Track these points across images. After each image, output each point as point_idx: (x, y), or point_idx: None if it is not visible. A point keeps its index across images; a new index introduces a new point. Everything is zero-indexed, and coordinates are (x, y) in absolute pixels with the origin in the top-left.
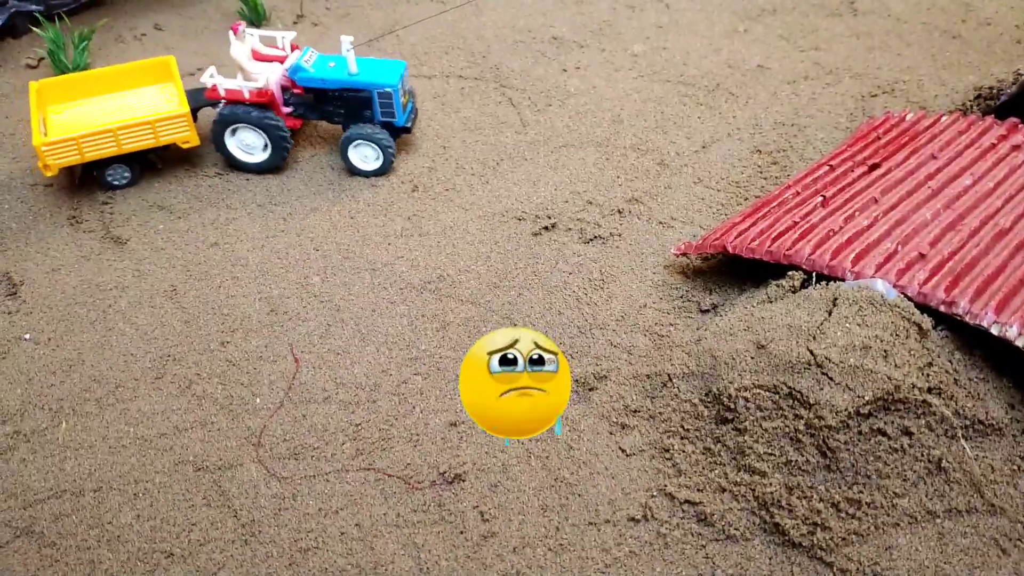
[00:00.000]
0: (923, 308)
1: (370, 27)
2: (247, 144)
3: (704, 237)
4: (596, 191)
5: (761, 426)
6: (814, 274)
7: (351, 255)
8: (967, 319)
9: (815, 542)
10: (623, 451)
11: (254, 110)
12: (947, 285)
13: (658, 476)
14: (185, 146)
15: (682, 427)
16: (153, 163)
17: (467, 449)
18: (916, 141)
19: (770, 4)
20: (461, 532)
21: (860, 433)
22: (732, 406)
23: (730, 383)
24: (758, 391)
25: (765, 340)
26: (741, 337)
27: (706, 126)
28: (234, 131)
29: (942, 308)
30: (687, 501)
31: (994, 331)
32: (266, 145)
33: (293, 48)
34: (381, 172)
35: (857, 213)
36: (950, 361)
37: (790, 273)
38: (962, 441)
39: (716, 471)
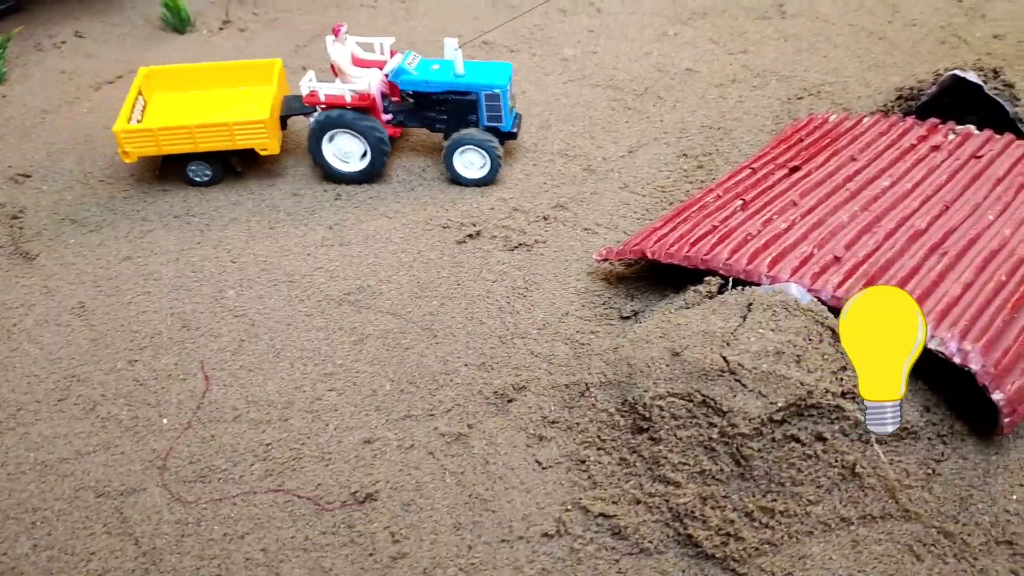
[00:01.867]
0: (838, 312)
1: (298, 33)
2: (345, 152)
3: (625, 243)
4: (522, 198)
5: (676, 435)
6: (731, 279)
7: (268, 267)
8: None
9: (728, 553)
10: (539, 464)
11: (354, 115)
12: (861, 288)
13: (573, 489)
14: (263, 153)
15: (599, 437)
16: (233, 167)
17: (380, 467)
18: (837, 143)
19: (700, 7)
20: (371, 554)
21: (773, 440)
22: (647, 415)
23: (645, 392)
24: (673, 399)
25: (680, 347)
26: (657, 344)
27: (633, 130)
28: (331, 138)
29: None
30: (601, 514)
31: None
32: (365, 153)
33: (392, 54)
34: (487, 181)
35: (776, 216)
36: None
37: (707, 279)
38: (876, 446)
39: (631, 482)
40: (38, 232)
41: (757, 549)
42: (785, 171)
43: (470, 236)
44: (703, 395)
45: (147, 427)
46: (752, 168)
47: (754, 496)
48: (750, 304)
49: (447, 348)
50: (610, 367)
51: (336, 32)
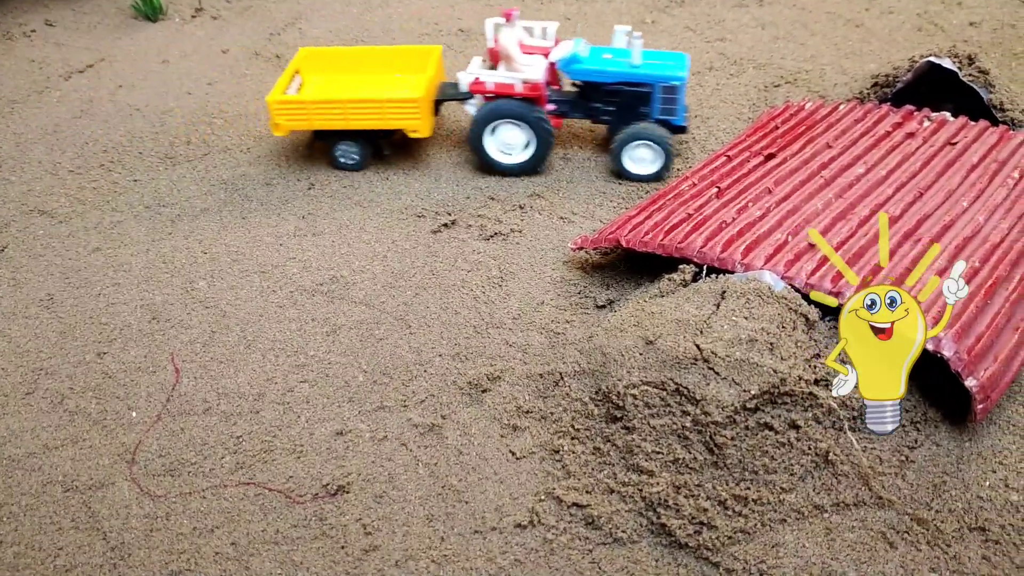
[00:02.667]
0: (810, 299)
1: (272, 20)
2: (507, 143)
3: (600, 231)
4: (498, 186)
5: (649, 424)
6: (705, 267)
7: (240, 257)
8: None
9: (701, 542)
10: (513, 454)
11: (523, 105)
12: (834, 276)
13: (547, 479)
14: (412, 135)
15: (573, 427)
16: (381, 149)
17: (353, 459)
18: (813, 130)
19: None
20: (342, 547)
21: (747, 428)
22: (621, 404)
23: (619, 380)
24: (646, 388)
25: (654, 336)
26: (631, 333)
27: None
28: (494, 129)
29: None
30: (575, 504)
31: None
32: (528, 143)
33: (557, 41)
34: (658, 177)
35: (750, 204)
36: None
37: (681, 267)
38: (848, 433)
39: (605, 471)
40: (6, 223)
41: (730, 538)
42: (761, 159)
43: (445, 225)
44: (676, 383)
45: (116, 420)
46: (728, 156)
47: (727, 484)
48: (724, 292)
49: (421, 338)
50: (584, 356)
51: (508, 16)
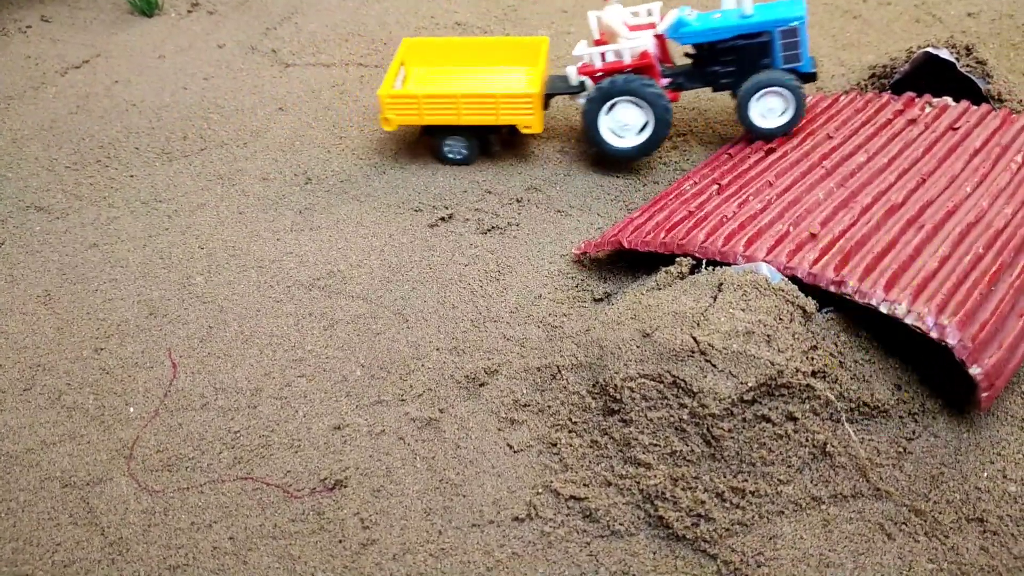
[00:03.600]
0: (813, 289)
1: (268, 15)
2: (622, 125)
3: (603, 235)
4: (495, 180)
5: (646, 416)
6: (704, 260)
7: (237, 253)
8: (856, 298)
9: (699, 534)
10: (511, 447)
11: (639, 80)
12: (837, 264)
13: (544, 472)
14: (525, 131)
15: (570, 420)
16: (490, 145)
17: (350, 453)
18: (813, 123)
19: None
20: (340, 541)
21: (744, 420)
22: (618, 397)
23: (616, 373)
24: (643, 380)
25: (650, 328)
26: (628, 326)
27: None
28: (609, 110)
29: (832, 288)
30: (572, 497)
31: (883, 309)
32: (645, 125)
33: (663, 18)
34: (788, 129)
35: (751, 198)
36: (835, 344)
37: (678, 259)
38: (846, 425)
39: (602, 464)
40: (3, 220)
41: (728, 530)
42: (761, 153)
43: (442, 219)
44: (673, 376)
45: (113, 416)
46: (729, 153)
47: (725, 477)
48: (720, 284)
49: (419, 333)
50: (581, 349)
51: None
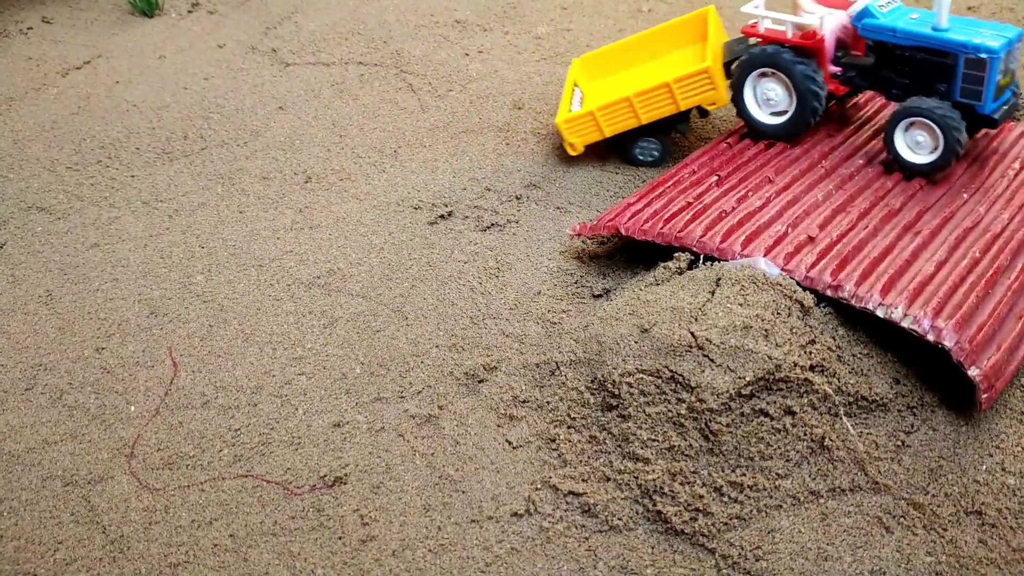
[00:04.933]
0: (808, 288)
1: (268, 14)
2: (768, 99)
3: (599, 218)
4: (495, 177)
5: (645, 412)
6: (701, 255)
7: (238, 252)
8: (853, 302)
9: (697, 528)
10: (510, 443)
11: (786, 53)
12: (834, 269)
13: (543, 468)
14: (711, 107)
15: (569, 416)
16: (682, 133)
17: (350, 450)
18: None
19: None
20: (340, 538)
21: (742, 415)
22: (616, 392)
23: (614, 369)
24: (641, 376)
25: (649, 324)
26: (626, 321)
27: None
28: (759, 79)
29: (829, 292)
30: (571, 492)
31: (880, 313)
32: (790, 104)
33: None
34: (937, 168)
35: (751, 193)
36: (833, 338)
37: (676, 255)
38: (844, 418)
39: (601, 460)
40: (5, 221)
41: (726, 524)
42: (761, 146)
43: (441, 217)
44: (671, 371)
45: (114, 415)
46: (728, 143)
47: (723, 471)
48: (719, 279)
49: (418, 330)
50: (580, 345)
51: None
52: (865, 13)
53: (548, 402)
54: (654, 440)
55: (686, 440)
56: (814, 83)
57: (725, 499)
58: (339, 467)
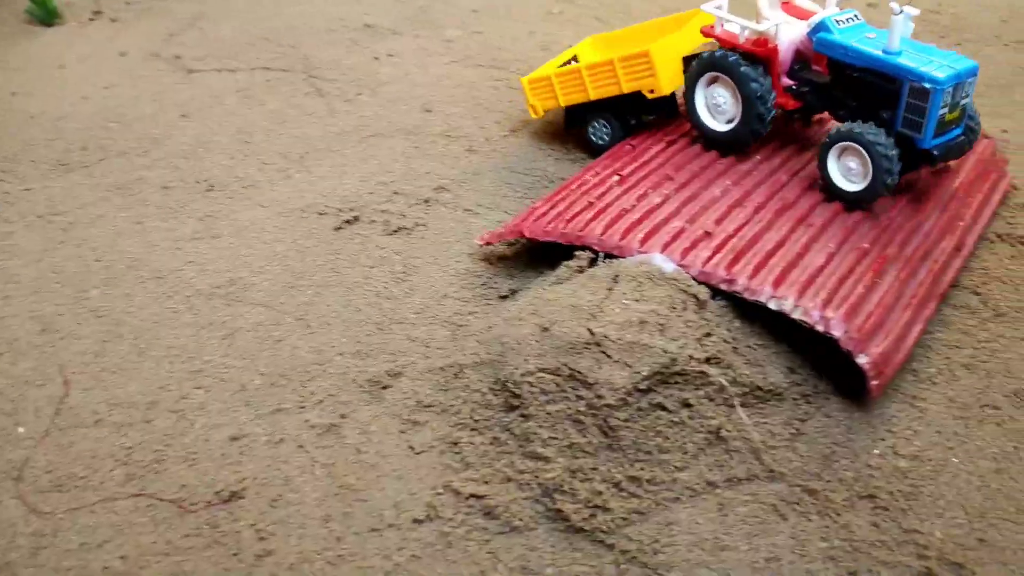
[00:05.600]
0: (706, 285)
1: (173, 21)
2: (717, 105)
3: (506, 224)
4: (403, 181)
5: (545, 410)
6: (601, 253)
7: (135, 264)
8: (746, 295)
9: (596, 525)
10: (412, 449)
11: (740, 61)
12: (728, 263)
13: (445, 472)
14: (651, 96)
15: (472, 418)
16: (640, 122)
17: (248, 464)
18: None
19: None
20: (235, 554)
21: (639, 409)
22: (518, 392)
23: (516, 369)
24: (542, 375)
25: (549, 323)
26: (528, 321)
27: (516, 110)
28: (708, 84)
29: (723, 286)
30: (472, 495)
31: (772, 305)
32: (737, 111)
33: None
34: (865, 197)
35: (650, 191)
36: (728, 330)
37: (577, 253)
38: (739, 409)
39: (503, 461)
40: None
41: (625, 519)
42: (662, 144)
43: (347, 222)
44: (571, 369)
45: (3, 437)
46: (631, 144)
47: (622, 466)
48: (616, 276)
49: (321, 338)
50: (484, 347)
51: None
52: (821, 27)
53: (452, 405)
54: (554, 439)
55: (585, 437)
56: (758, 86)
57: (624, 494)
58: (236, 482)
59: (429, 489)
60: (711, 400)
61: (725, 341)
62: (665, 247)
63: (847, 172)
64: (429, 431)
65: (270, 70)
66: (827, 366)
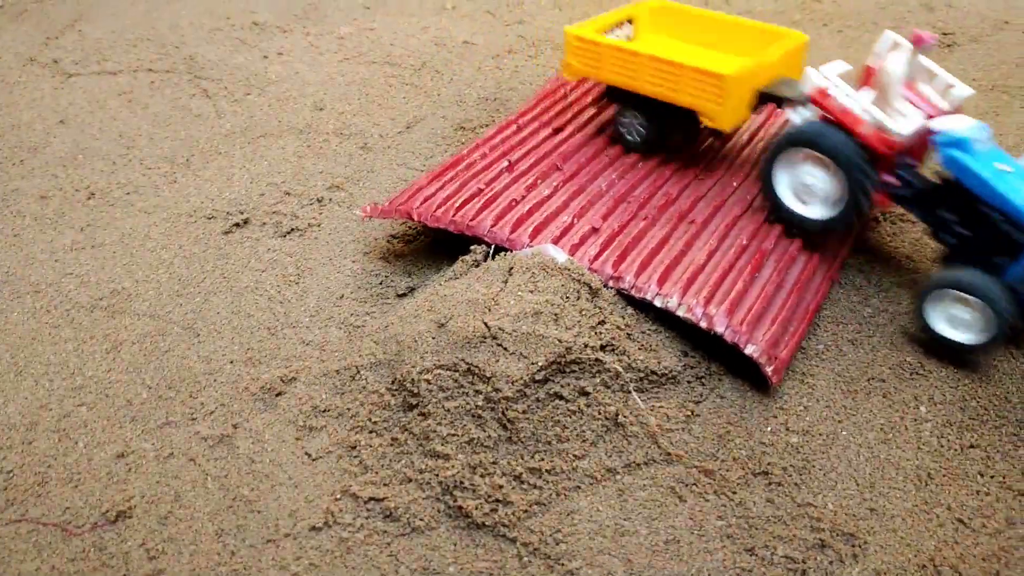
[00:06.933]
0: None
1: (49, 23)
2: (807, 184)
3: (391, 200)
4: (295, 181)
5: (444, 407)
6: (493, 246)
7: (10, 279)
8: (632, 292)
9: (498, 519)
10: (309, 456)
11: (838, 135)
12: (615, 259)
13: (343, 477)
14: (707, 123)
15: (370, 420)
16: (671, 132)
17: (136, 482)
18: (599, 102)
19: None
20: (124, 575)
21: (537, 400)
22: (416, 391)
23: (413, 367)
24: (439, 371)
25: (445, 318)
26: (424, 318)
27: (411, 106)
28: (796, 161)
29: (611, 284)
30: (372, 498)
31: (657, 303)
32: (838, 198)
33: (958, 111)
34: (982, 350)
35: (539, 181)
36: (622, 317)
37: (473, 247)
38: (634, 394)
39: (402, 461)
40: None
41: (526, 511)
42: (550, 131)
43: (236, 225)
44: (468, 363)
45: None
46: (518, 124)
47: (522, 458)
48: (511, 268)
49: (211, 346)
50: (380, 347)
51: (919, 42)
52: (957, 143)
53: (349, 408)
54: (454, 435)
55: (485, 431)
56: (868, 179)
57: (524, 486)
58: (123, 500)
59: (327, 495)
60: (607, 387)
61: (619, 328)
62: (555, 242)
63: (956, 322)
64: (326, 436)
65: (153, 72)
66: (720, 348)
